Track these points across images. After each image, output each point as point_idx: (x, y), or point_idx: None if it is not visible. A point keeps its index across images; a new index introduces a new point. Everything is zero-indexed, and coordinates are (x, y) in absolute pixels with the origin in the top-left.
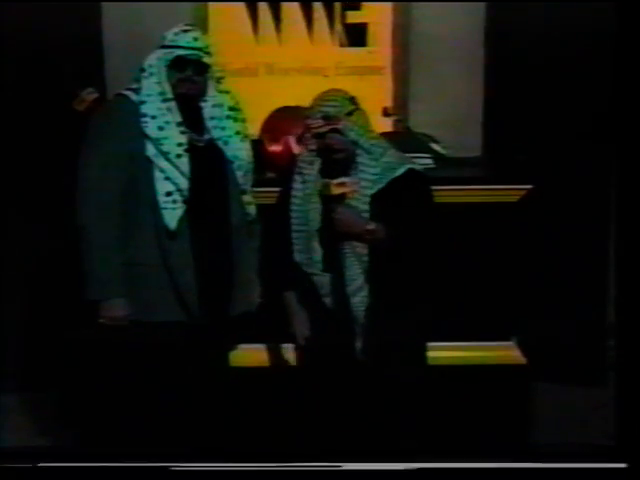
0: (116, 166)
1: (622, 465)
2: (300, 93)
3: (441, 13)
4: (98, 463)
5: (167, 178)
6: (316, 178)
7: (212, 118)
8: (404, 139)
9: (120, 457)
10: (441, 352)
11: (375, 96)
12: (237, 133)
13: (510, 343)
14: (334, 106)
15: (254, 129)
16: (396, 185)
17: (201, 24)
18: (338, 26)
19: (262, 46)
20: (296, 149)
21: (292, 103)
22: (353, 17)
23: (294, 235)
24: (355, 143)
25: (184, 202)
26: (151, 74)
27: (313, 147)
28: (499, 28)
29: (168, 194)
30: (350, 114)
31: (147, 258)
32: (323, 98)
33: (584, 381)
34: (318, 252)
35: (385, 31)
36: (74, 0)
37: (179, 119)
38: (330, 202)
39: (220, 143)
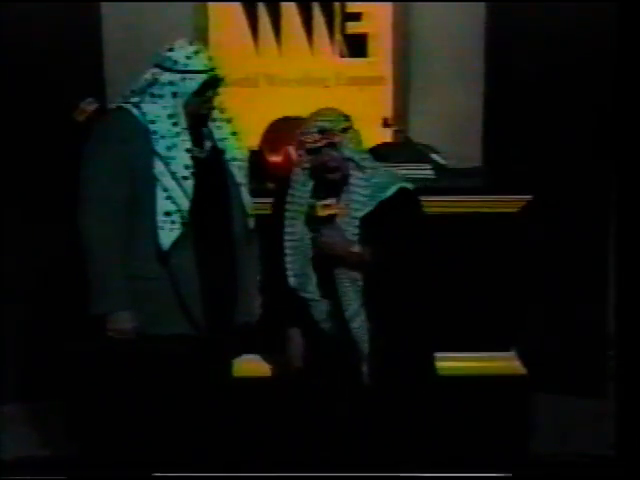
0: (118, 180)
1: (621, 475)
2: (300, 104)
3: (441, 24)
4: (100, 474)
5: (169, 197)
6: (308, 200)
7: (214, 120)
8: (404, 150)
9: (122, 468)
10: (441, 363)
11: (375, 107)
12: (233, 134)
13: (510, 354)
14: (330, 121)
15: (254, 139)
16: (386, 206)
17: (201, 35)
18: (338, 37)
19: (262, 57)
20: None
21: (292, 113)
22: (353, 28)
23: (289, 259)
24: (350, 160)
25: (183, 225)
26: (160, 97)
27: (307, 165)
28: (499, 39)
29: (167, 214)
30: (345, 131)
31: (151, 271)
32: (319, 114)
33: (584, 392)
34: (313, 278)
35: (385, 42)
36: (74, 8)
37: (189, 145)
38: (317, 224)
39: (221, 145)
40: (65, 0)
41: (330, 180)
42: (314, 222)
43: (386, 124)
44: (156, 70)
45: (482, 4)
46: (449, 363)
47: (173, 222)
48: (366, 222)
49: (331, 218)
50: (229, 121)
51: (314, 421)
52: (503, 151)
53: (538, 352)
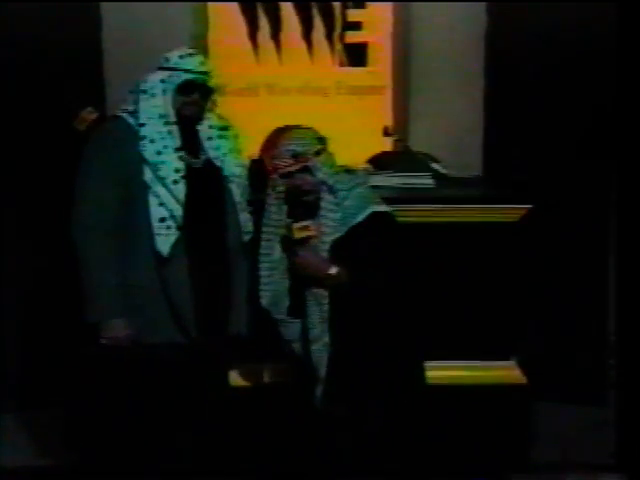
0: (111, 189)
1: None
2: (301, 113)
3: (441, 32)
4: None
5: (162, 204)
6: (283, 222)
7: (209, 138)
8: (404, 159)
9: (120, 476)
10: (441, 372)
11: (375, 116)
12: (231, 151)
13: (510, 362)
14: (303, 144)
15: (254, 148)
16: (356, 231)
17: (201, 43)
18: (338, 46)
19: (263, 66)
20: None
21: (293, 123)
22: (353, 37)
23: (264, 280)
24: (323, 183)
25: (178, 229)
26: (152, 95)
27: (281, 189)
28: (499, 48)
29: (162, 220)
30: (318, 153)
31: (144, 280)
32: (292, 137)
33: (584, 400)
34: (286, 300)
35: (385, 50)
36: (74, 8)
37: (178, 144)
38: (293, 245)
39: (217, 162)
40: (65, 0)
41: (304, 202)
42: (290, 243)
43: (386, 133)
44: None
45: (482, 13)
46: (449, 372)
47: (169, 227)
48: (337, 246)
49: (306, 240)
50: (231, 137)
51: (311, 430)
52: (503, 160)
53: (538, 361)
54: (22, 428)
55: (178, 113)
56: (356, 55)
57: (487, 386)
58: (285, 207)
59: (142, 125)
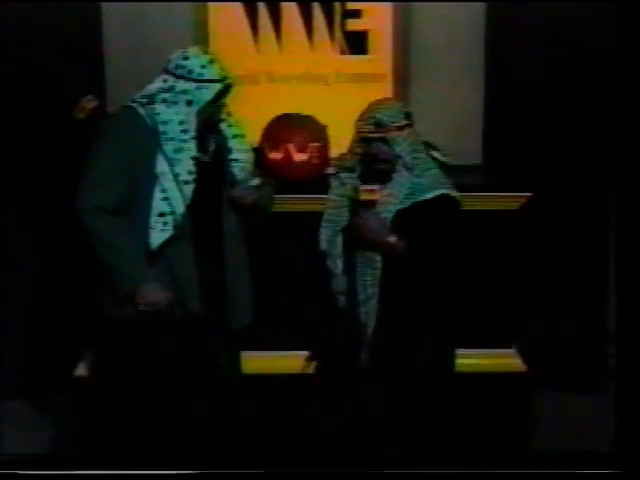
0: (119, 178)
1: (621, 472)
2: (301, 101)
3: (441, 20)
4: (99, 470)
5: (165, 199)
6: (353, 184)
7: (222, 121)
8: None
9: (122, 465)
10: None
11: None
12: (236, 136)
13: (511, 350)
14: (389, 116)
15: (255, 136)
16: (421, 208)
17: (201, 31)
18: (338, 34)
19: (263, 54)
20: (296, 157)
21: (293, 110)
22: (353, 24)
23: (323, 224)
24: (399, 157)
25: (175, 227)
26: (174, 103)
27: (358, 151)
28: (500, 35)
29: (161, 215)
30: (401, 128)
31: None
32: (380, 105)
33: (584, 388)
34: (338, 250)
35: (385, 38)
36: (75, 2)
37: (194, 153)
38: (357, 206)
39: (224, 146)
40: (65, 0)
41: (376, 170)
42: (354, 204)
43: None
44: (168, 77)
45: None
46: None
47: (165, 224)
48: (401, 216)
49: (371, 203)
50: (234, 123)
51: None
52: (504, 148)
53: (539, 349)
54: (24, 416)
55: (206, 121)
56: (356, 43)
57: (487, 374)
58: (359, 169)
59: (164, 122)
